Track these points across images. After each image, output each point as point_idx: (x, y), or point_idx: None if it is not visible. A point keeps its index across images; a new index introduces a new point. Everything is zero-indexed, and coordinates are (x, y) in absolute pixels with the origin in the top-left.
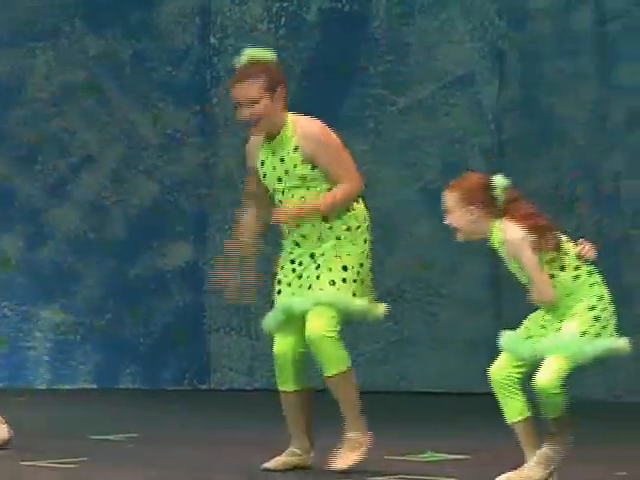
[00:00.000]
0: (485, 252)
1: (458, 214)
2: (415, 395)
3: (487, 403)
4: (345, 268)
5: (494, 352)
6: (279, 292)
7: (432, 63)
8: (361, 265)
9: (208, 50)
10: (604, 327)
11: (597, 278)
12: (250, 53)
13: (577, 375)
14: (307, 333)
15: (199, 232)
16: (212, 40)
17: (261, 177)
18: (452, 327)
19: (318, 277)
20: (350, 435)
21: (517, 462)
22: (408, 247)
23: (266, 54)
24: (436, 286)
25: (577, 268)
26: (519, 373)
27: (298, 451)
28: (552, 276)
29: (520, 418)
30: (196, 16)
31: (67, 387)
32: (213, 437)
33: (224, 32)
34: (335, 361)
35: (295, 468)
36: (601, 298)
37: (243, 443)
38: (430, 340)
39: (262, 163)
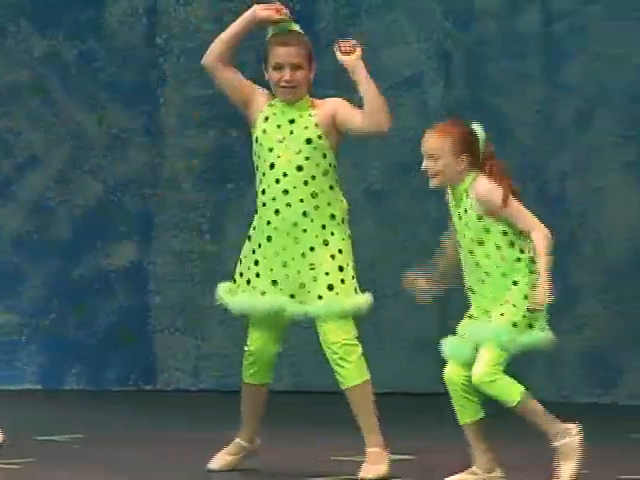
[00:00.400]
0: (431, 251)
1: (447, 161)
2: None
3: (433, 403)
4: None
5: (440, 352)
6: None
7: (378, 64)
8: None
9: (154, 51)
10: (536, 319)
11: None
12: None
13: (526, 376)
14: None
15: (144, 232)
16: (158, 40)
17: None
18: (398, 327)
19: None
20: (371, 450)
21: (463, 463)
22: (352, 248)
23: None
24: (382, 287)
25: (522, 251)
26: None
27: (244, 443)
28: (498, 247)
29: (472, 420)
30: (142, 16)
31: (12, 388)
32: (158, 438)
33: (170, 33)
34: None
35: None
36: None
37: (189, 443)
38: (377, 340)
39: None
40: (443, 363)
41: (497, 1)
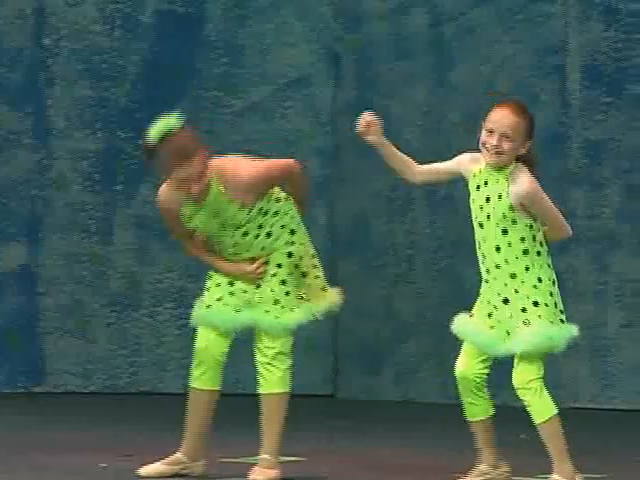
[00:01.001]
0: (325, 251)
1: (518, 144)
2: (252, 397)
3: (326, 405)
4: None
5: (333, 355)
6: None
7: (267, 65)
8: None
9: (42, 52)
10: (562, 311)
11: (550, 260)
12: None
13: (414, 379)
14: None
15: (32, 234)
16: (46, 42)
17: None
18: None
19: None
20: (265, 456)
21: (359, 463)
22: None
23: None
24: None
25: (541, 244)
26: (486, 368)
27: (184, 458)
28: (522, 239)
29: (483, 417)
30: (30, 17)
31: None
32: (48, 440)
33: (58, 34)
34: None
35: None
36: (554, 282)
37: (78, 446)
38: None
39: None
40: (334, 366)
41: (386, 3)
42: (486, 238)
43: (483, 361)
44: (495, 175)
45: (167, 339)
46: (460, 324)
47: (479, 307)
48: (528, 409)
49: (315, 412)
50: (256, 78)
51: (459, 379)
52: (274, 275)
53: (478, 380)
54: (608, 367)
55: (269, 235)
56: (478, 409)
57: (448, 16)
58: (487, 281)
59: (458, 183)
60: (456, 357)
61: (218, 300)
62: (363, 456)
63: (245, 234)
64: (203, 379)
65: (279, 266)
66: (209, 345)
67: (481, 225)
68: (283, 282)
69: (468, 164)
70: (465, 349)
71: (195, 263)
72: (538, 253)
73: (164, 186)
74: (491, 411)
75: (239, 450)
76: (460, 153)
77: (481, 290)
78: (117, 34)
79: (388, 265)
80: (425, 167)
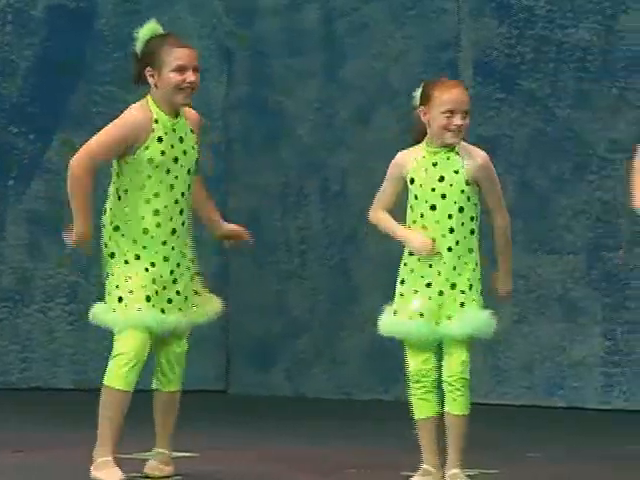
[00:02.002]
0: (217, 247)
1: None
2: (144, 393)
3: (218, 400)
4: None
5: (225, 350)
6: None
7: None
8: None
9: None
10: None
11: None
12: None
13: (306, 374)
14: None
15: None
16: None
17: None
18: None
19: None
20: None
21: (251, 459)
22: None
23: None
24: None
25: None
26: (434, 363)
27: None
28: (472, 218)
29: (433, 414)
30: None
31: None
32: None
33: None
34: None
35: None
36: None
37: None
38: None
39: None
40: (226, 362)
41: None
42: (439, 220)
43: (429, 357)
44: (444, 154)
45: (59, 335)
46: (388, 325)
47: (406, 297)
48: (457, 399)
49: (208, 408)
50: None
51: (420, 375)
52: (190, 270)
53: (434, 376)
54: (500, 363)
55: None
56: (430, 406)
57: (340, 12)
58: (431, 266)
59: (349, 179)
60: (347, 353)
61: (147, 301)
62: (256, 451)
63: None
64: (134, 382)
65: (192, 261)
66: (145, 347)
67: (433, 207)
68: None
69: (403, 166)
70: (409, 348)
71: (87, 258)
72: (477, 236)
73: (138, 105)
74: (441, 408)
75: (131, 445)
76: (351, 148)
77: (410, 277)
78: (8, 29)
79: (281, 261)
80: (388, 210)
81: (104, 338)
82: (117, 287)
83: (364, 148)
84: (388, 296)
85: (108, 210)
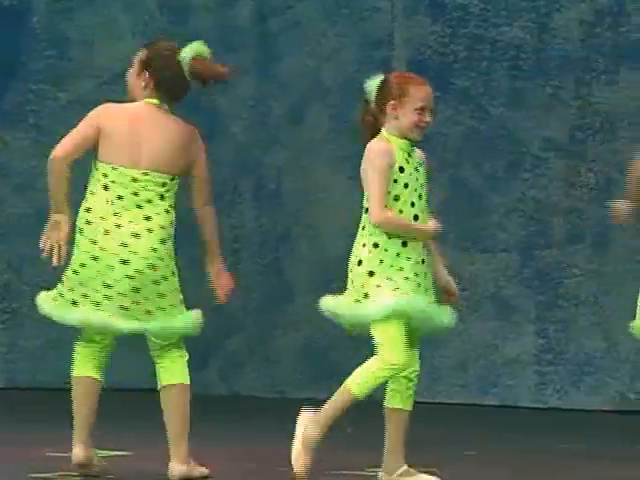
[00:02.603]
0: None
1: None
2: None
3: (151, 399)
4: None
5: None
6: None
7: (93, 58)
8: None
9: None
10: None
11: None
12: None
13: (240, 372)
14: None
15: None
16: None
17: None
18: None
19: None
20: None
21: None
22: None
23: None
24: None
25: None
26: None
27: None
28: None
29: (403, 406)
30: None
31: None
32: None
33: None
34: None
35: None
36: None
37: None
38: None
39: None
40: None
41: None
42: (424, 209)
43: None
44: (409, 148)
45: None
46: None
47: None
48: (411, 395)
49: (142, 406)
50: (82, 71)
51: (406, 366)
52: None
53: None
54: (434, 361)
55: None
56: (398, 397)
57: (274, 10)
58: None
59: (284, 178)
60: (280, 352)
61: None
62: (190, 449)
63: None
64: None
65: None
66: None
67: (420, 196)
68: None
69: (392, 154)
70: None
71: (19, 257)
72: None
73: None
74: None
75: (66, 445)
76: (285, 146)
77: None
78: None
79: None
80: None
81: (36, 337)
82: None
83: (298, 146)
84: (321, 295)
85: None
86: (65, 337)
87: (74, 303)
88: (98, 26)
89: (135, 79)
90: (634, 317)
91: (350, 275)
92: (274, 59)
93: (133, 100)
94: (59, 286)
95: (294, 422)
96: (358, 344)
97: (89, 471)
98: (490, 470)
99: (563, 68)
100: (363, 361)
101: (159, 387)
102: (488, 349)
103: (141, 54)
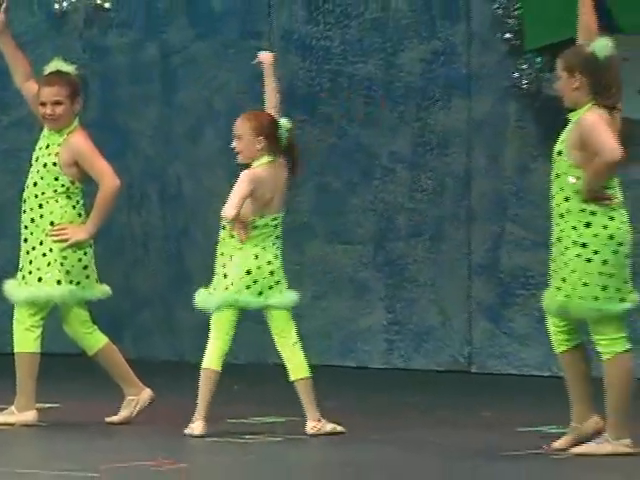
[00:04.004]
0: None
1: (247, 141)
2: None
3: (76, 362)
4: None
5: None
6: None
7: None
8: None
9: None
10: None
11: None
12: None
13: (149, 340)
14: None
15: None
16: None
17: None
18: None
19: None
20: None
21: (100, 410)
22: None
23: (69, 68)
24: None
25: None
26: None
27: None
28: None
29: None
30: None
31: None
32: None
33: None
34: None
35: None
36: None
37: None
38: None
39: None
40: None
41: (124, 38)
42: None
43: None
44: None
45: None
46: None
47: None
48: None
49: (72, 369)
50: (18, 99)
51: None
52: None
53: None
54: (303, 330)
55: None
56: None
57: (174, 49)
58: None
59: (183, 184)
60: (181, 324)
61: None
62: (109, 403)
63: None
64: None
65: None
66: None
67: None
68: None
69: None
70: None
71: None
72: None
73: None
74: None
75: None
76: (184, 160)
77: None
78: None
79: (127, 251)
80: None
81: None
82: None
83: (194, 160)
84: (212, 278)
85: None
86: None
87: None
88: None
89: None
90: (464, 297)
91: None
92: (175, 89)
93: None
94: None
95: (191, 380)
96: (246, 319)
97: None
98: (348, 419)
99: (407, 96)
100: (245, 331)
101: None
102: (347, 321)
103: None
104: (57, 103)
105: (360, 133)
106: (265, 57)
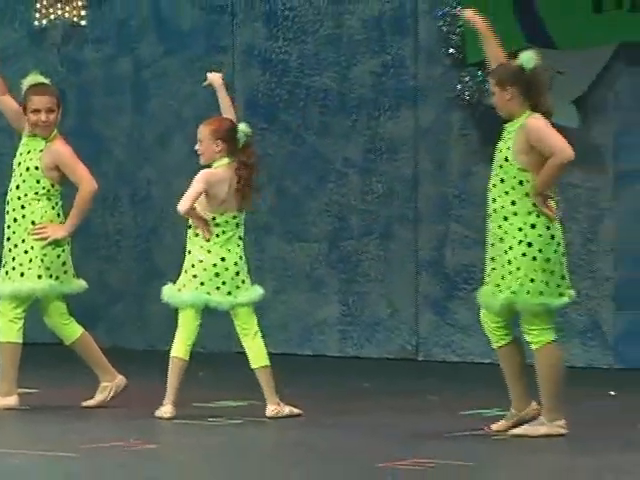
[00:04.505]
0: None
1: (206, 144)
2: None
3: (53, 351)
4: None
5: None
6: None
7: None
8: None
9: None
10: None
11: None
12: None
13: (121, 331)
14: None
15: None
16: None
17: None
18: None
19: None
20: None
21: (76, 394)
22: None
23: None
24: None
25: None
26: None
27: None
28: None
29: None
30: None
31: None
32: None
33: None
34: None
35: None
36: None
37: None
38: None
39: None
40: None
41: (99, 53)
42: None
43: None
44: None
45: None
46: None
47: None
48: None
49: (49, 357)
50: None
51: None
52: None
53: None
54: (264, 322)
55: None
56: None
57: (145, 63)
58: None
59: (153, 188)
60: (152, 317)
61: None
62: (85, 390)
63: None
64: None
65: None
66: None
67: None
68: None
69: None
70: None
71: None
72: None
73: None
74: None
75: None
76: (154, 165)
77: None
78: None
79: (101, 248)
80: None
81: None
82: None
83: (164, 165)
84: (179, 274)
85: None
86: None
87: None
88: (13, 77)
89: None
90: (412, 291)
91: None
92: (145, 100)
93: None
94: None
95: (161, 367)
96: (211, 311)
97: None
98: (307, 402)
99: (359, 107)
100: (210, 322)
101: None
102: (304, 313)
103: None
104: (50, 110)
105: (316, 141)
106: (214, 78)
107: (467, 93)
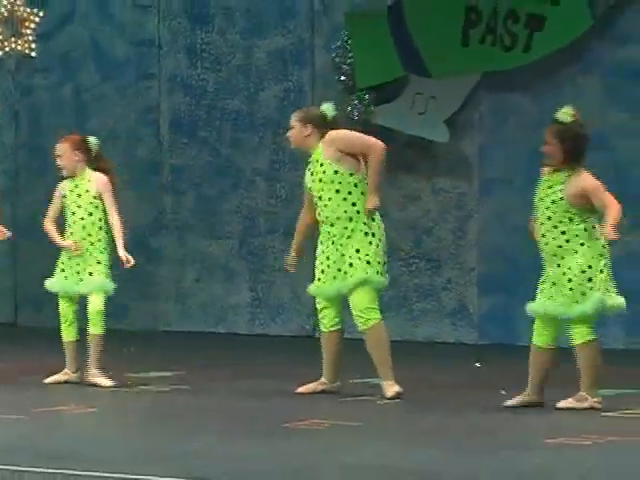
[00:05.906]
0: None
1: (66, 157)
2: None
3: (9, 333)
4: None
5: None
6: None
7: None
8: None
9: None
10: None
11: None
12: None
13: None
14: None
15: None
16: None
17: None
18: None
19: None
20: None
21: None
22: None
23: None
24: None
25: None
26: None
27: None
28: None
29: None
30: None
31: None
32: None
33: None
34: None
35: None
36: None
37: None
38: None
39: None
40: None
41: (47, 80)
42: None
43: None
44: None
45: None
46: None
47: None
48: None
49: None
50: None
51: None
52: None
53: None
54: (185, 307)
55: None
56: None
57: (85, 88)
58: None
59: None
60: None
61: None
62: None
63: None
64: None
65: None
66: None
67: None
68: None
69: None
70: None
71: None
72: None
73: None
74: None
75: None
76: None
77: None
78: None
79: None
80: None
81: None
82: None
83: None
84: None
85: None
86: None
87: None
88: None
89: None
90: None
91: None
92: (86, 119)
93: None
94: None
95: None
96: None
97: None
98: (226, 375)
99: (265, 125)
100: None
101: None
102: (220, 298)
103: None
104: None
105: (229, 153)
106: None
107: (356, 114)
